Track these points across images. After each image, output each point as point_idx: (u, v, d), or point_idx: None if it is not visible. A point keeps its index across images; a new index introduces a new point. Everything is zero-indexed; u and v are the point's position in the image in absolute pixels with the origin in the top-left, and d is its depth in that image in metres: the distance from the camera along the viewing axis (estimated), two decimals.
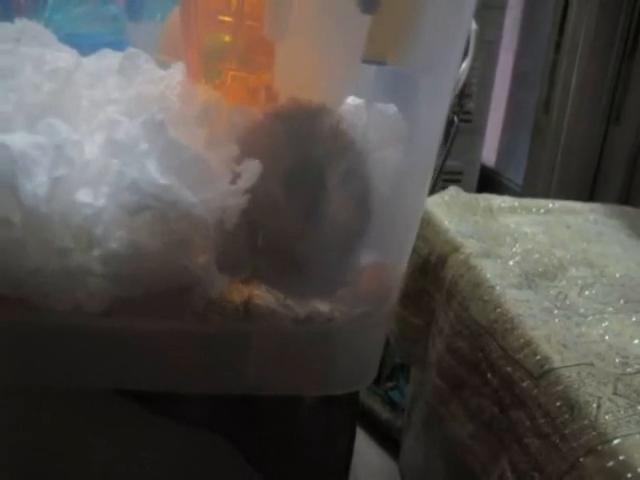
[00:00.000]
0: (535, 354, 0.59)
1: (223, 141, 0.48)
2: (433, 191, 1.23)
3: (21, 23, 0.58)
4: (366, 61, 0.60)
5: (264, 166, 0.48)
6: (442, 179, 1.26)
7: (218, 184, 0.45)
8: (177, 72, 0.56)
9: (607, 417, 0.51)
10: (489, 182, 1.39)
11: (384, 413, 1.06)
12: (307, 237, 0.48)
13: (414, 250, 0.83)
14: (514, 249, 0.79)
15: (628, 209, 0.95)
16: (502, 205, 0.91)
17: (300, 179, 0.49)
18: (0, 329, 0.51)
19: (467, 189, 1.37)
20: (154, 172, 0.43)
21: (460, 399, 0.68)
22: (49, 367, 0.51)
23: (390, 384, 1.06)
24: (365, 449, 1.09)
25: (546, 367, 0.57)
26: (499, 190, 1.38)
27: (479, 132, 1.33)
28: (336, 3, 0.51)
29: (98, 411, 0.57)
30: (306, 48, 0.55)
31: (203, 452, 0.60)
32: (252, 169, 0.45)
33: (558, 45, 1.20)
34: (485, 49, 1.27)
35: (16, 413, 0.58)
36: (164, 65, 0.65)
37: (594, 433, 0.50)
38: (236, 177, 0.46)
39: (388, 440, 1.07)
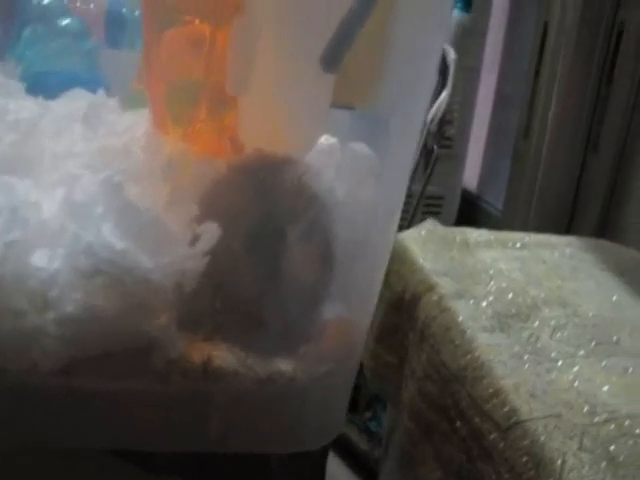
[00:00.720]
0: (504, 405, 0.58)
1: (184, 200, 0.47)
2: (413, 218, 1.23)
3: None
4: (335, 106, 0.60)
5: (227, 222, 0.48)
6: (423, 204, 1.26)
7: (176, 247, 0.44)
8: (142, 121, 0.56)
9: (571, 475, 0.51)
10: (470, 207, 1.39)
11: (362, 444, 1.05)
12: (268, 295, 0.48)
13: (389, 286, 0.83)
14: (488, 287, 0.78)
15: (604, 243, 0.95)
16: (478, 239, 0.91)
17: (262, 236, 0.48)
18: None
19: (448, 214, 1.37)
20: (110, 236, 0.42)
21: (430, 444, 0.67)
22: (8, 426, 0.50)
23: (368, 414, 1.05)
24: (344, 478, 1.09)
25: (513, 419, 0.56)
26: (480, 215, 1.38)
27: (460, 158, 1.33)
28: (299, 58, 0.51)
29: (63, 462, 0.56)
30: (270, 98, 0.55)
31: None
32: (211, 231, 0.45)
33: (537, 72, 1.20)
34: (466, 75, 1.27)
35: None
36: (140, 95, 0.64)
37: None
38: (195, 239, 0.46)
39: (365, 470, 1.06)
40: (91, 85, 0.70)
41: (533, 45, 1.21)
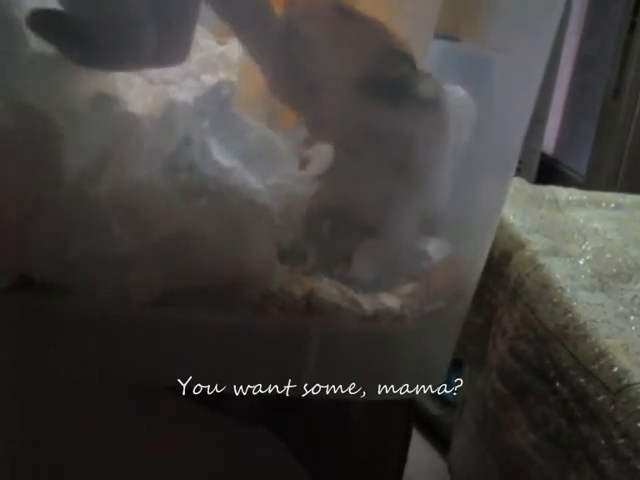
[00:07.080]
0: (612, 366, 0.54)
1: (291, 122, 0.44)
2: None
3: None
4: (437, 36, 0.56)
5: None
6: None
7: (286, 169, 0.40)
8: (235, 48, 0.52)
9: None
10: (549, 171, 1.32)
11: (434, 409, 1.02)
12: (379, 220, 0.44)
13: None
14: (584, 247, 0.74)
15: None
16: (569, 198, 0.86)
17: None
18: (44, 317, 0.48)
19: (526, 179, 1.31)
20: (216, 153, 0.39)
21: (523, 406, 0.63)
22: (95, 358, 0.48)
23: None
24: (413, 444, 1.06)
25: (625, 382, 0.52)
26: (560, 180, 1.32)
27: (541, 118, 1.26)
28: None
29: (148, 406, 0.54)
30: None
31: (253, 449, 0.57)
32: (323, 154, 0.41)
33: (633, 25, 1.12)
34: None
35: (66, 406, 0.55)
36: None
37: None
38: (305, 161, 0.42)
39: (436, 436, 1.03)
40: None
41: None
